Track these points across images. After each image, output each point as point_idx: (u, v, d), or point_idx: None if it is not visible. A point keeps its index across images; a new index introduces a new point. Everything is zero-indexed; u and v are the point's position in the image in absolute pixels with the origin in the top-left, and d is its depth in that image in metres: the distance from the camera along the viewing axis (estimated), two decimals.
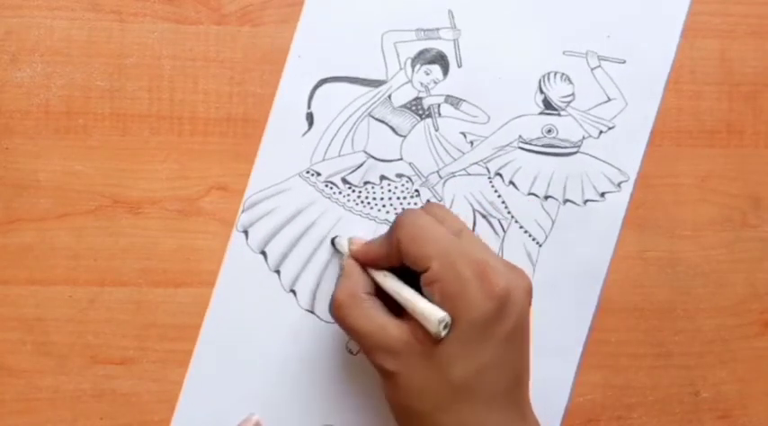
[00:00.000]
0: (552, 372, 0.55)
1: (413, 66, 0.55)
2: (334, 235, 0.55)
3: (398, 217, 0.49)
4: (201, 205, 0.55)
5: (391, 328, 0.47)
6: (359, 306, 0.48)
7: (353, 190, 0.55)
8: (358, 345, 0.49)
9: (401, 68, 0.55)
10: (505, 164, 0.55)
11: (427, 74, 0.55)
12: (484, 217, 0.55)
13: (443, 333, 0.44)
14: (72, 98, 0.54)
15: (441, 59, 0.55)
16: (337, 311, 0.49)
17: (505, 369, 0.46)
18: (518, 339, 0.46)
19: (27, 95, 0.54)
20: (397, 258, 0.48)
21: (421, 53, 0.55)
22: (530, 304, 0.47)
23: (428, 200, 0.54)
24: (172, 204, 0.55)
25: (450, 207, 0.55)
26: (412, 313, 0.46)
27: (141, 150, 0.55)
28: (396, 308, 0.48)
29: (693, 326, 0.56)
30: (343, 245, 0.53)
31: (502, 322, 0.45)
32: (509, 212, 0.55)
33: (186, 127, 0.55)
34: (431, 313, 0.45)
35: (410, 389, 0.46)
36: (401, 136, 0.55)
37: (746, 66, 0.56)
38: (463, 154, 0.55)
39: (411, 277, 0.48)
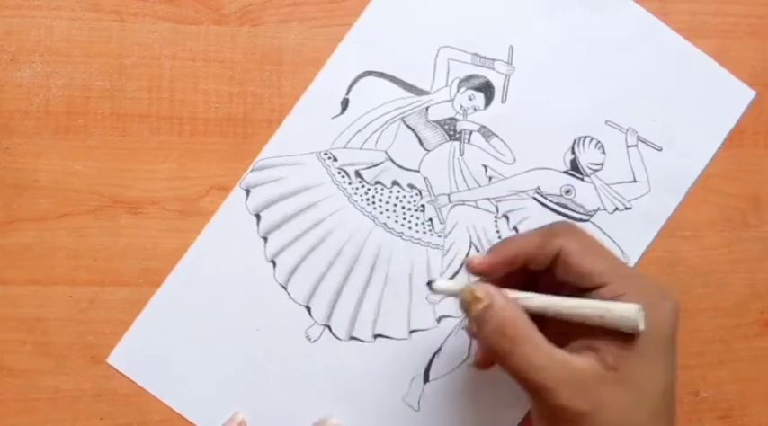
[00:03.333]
0: None
1: (458, 88, 0.55)
2: (429, 279, 0.47)
3: (560, 226, 0.46)
4: (201, 205, 0.55)
5: (574, 360, 0.41)
6: (530, 342, 0.42)
7: (363, 186, 0.55)
8: (528, 390, 0.42)
9: (447, 85, 0.55)
10: (515, 209, 0.55)
11: (470, 99, 0.55)
12: (477, 251, 0.55)
13: (642, 326, 0.41)
14: (72, 98, 0.54)
15: (487, 89, 0.55)
16: (509, 357, 0.42)
17: (676, 384, 0.43)
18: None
19: (27, 95, 0.54)
20: (542, 262, 0.45)
21: (470, 77, 0.55)
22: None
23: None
24: (172, 204, 0.55)
25: (449, 233, 0.55)
26: (596, 319, 0.42)
27: (141, 150, 0.55)
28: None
29: (693, 326, 0.56)
30: (448, 286, 0.46)
31: (677, 335, 0.43)
32: None
33: (186, 127, 0.55)
34: (624, 308, 0.41)
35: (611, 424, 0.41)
36: (426, 149, 0.55)
37: (747, 65, 0.56)
38: (479, 186, 0.55)
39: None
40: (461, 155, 0.55)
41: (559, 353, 0.42)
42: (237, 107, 0.55)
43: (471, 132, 0.55)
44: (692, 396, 0.56)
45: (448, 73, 0.55)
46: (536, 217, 0.55)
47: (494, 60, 0.55)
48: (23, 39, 0.54)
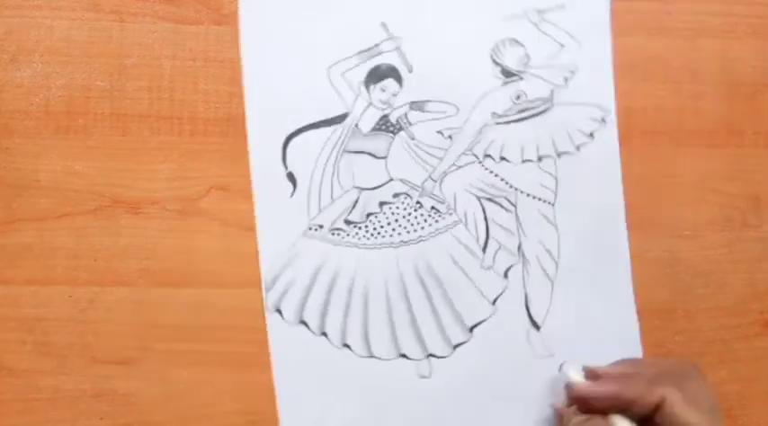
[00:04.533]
0: (610, 316, 0.56)
1: (367, 88, 0.55)
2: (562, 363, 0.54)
3: (660, 370, 0.49)
4: (201, 205, 0.55)
5: None
6: None
7: (360, 228, 0.55)
8: None
9: (357, 95, 0.55)
10: (490, 144, 0.56)
11: (383, 90, 0.55)
12: (491, 200, 0.55)
13: None
14: (72, 98, 0.54)
15: (391, 72, 0.55)
16: None
17: None
18: None
19: (27, 95, 0.54)
20: (644, 408, 0.47)
21: (370, 73, 0.55)
22: None
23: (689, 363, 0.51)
24: (172, 204, 0.55)
25: (455, 203, 0.55)
26: None
27: (141, 150, 0.55)
28: None
29: (693, 326, 0.56)
30: (575, 379, 0.51)
31: None
32: (512, 186, 0.55)
33: (186, 127, 0.55)
34: None
35: None
36: (382, 158, 0.55)
37: (747, 66, 0.56)
38: (446, 150, 0.55)
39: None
40: (413, 139, 0.55)
41: None
42: (237, 107, 0.55)
43: (406, 114, 0.55)
44: None
45: (350, 84, 0.55)
46: (511, 137, 0.56)
47: (376, 45, 0.55)
48: (23, 39, 0.54)
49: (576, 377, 0.51)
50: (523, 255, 0.55)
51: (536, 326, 0.55)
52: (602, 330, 0.55)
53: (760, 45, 0.57)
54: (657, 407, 0.47)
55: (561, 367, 0.53)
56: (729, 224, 0.56)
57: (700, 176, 0.56)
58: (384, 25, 0.55)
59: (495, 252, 0.55)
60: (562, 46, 0.56)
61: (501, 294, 0.55)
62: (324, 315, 0.55)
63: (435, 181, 0.55)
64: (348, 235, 0.55)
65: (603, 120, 0.56)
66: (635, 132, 0.56)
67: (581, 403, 0.49)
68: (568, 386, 0.51)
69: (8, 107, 0.54)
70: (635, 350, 0.56)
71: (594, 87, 0.56)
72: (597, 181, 0.56)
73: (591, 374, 0.51)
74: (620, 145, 0.56)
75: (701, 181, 0.56)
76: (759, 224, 0.57)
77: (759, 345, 0.57)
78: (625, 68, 0.56)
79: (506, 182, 0.56)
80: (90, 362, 0.54)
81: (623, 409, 0.48)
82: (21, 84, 0.54)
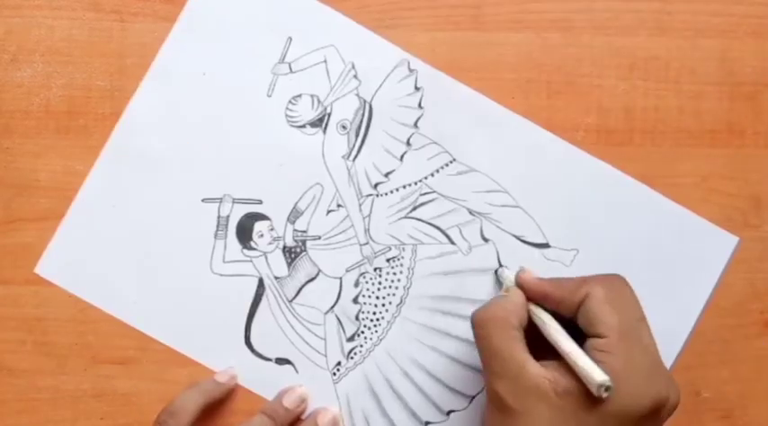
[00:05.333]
0: None
1: (248, 246, 0.55)
2: (499, 266, 0.55)
3: (592, 276, 0.48)
4: None
5: (531, 368, 0.45)
6: (507, 331, 0.47)
7: (364, 329, 0.55)
8: (484, 367, 0.48)
9: (250, 260, 0.55)
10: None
11: (261, 235, 0.55)
12: (414, 208, 0.55)
13: (605, 395, 0.43)
14: (72, 98, 0.54)
15: (254, 217, 0.54)
16: (483, 324, 0.48)
17: None
18: None
19: (27, 95, 0.54)
20: (570, 308, 0.47)
21: (239, 233, 0.55)
22: (666, 420, 0.46)
23: (619, 276, 0.50)
24: None
25: (396, 237, 0.55)
26: (573, 363, 0.44)
27: None
28: (535, 351, 0.47)
29: (693, 329, 0.56)
30: (508, 277, 0.53)
31: (645, 423, 0.45)
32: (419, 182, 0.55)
33: None
34: (598, 372, 0.43)
35: None
36: (317, 275, 0.55)
37: (747, 66, 0.56)
38: (348, 216, 0.55)
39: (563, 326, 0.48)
40: (319, 238, 0.55)
41: (521, 354, 0.46)
42: None
43: (293, 230, 0.55)
44: (693, 396, 0.56)
45: (241, 265, 0.55)
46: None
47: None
48: (24, 39, 0.54)
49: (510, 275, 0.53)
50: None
51: None
52: None
53: (760, 45, 0.57)
54: (580, 305, 0.47)
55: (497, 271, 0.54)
56: (729, 224, 0.56)
57: (700, 176, 0.56)
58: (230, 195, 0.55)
59: (461, 234, 0.55)
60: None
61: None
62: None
63: (367, 243, 0.55)
64: (364, 340, 0.55)
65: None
66: (635, 132, 0.56)
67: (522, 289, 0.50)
68: (519, 276, 0.51)
69: (8, 107, 0.54)
70: None
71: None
72: None
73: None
74: (618, 146, 0.56)
75: (701, 181, 0.56)
76: (759, 224, 0.57)
77: (759, 345, 0.57)
78: (625, 68, 0.56)
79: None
80: (90, 362, 0.54)
81: (549, 307, 0.49)
82: (21, 83, 0.54)
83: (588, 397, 0.44)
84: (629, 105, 0.56)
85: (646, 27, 0.56)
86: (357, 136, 0.55)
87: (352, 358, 0.55)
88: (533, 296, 0.50)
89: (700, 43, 0.56)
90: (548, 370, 0.45)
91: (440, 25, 0.55)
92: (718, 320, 0.56)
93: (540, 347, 0.47)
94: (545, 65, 0.56)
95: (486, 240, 0.55)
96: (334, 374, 0.55)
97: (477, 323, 0.48)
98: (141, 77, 0.54)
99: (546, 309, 0.49)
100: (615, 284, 0.48)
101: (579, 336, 0.47)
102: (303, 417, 0.55)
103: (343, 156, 0.55)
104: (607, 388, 0.43)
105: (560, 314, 0.48)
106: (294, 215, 0.54)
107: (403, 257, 0.55)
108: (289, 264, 0.55)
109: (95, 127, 0.54)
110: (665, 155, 0.56)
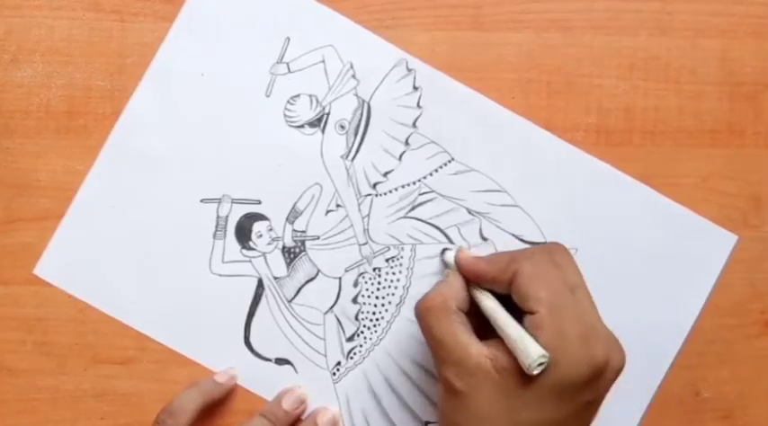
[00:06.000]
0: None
1: (247, 246, 0.55)
2: (444, 248, 0.55)
3: (523, 250, 0.49)
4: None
5: (473, 349, 0.46)
6: (447, 318, 0.47)
7: (363, 330, 0.55)
8: (432, 355, 0.48)
9: (249, 260, 0.55)
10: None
11: (260, 235, 0.55)
12: (413, 208, 0.55)
13: (536, 372, 0.43)
14: (73, 98, 0.54)
15: (253, 217, 0.54)
16: (425, 313, 0.48)
17: None
18: (592, 410, 0.46)
19: (28, 95, 0.54)
20: (505, 286, 0.47)
21: (237, 234, 0.55)
22: (614, 382, 0.46)
23: (554, 244, 0.50)
24: None
25: (395, 237, 0.55)
26: (508, 341, 0.45)
27: None
28: (481, 333, 0.47)
29: (693, 327, 0.56)
30: (450, 260, 0.53)
31: (588, 390, 0.45)
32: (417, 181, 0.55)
33: None
34: (532, 348, 0.44)
35: (471, 412, 0.45)
36: (317, 275, 0.55)
37: (747, 65, 0.56)
38: (347, 216, 0.55)
39: (506, 305, 0.48)
40: (318, 238, 0.55)
41: (465, 337, 0.46)
42: None
43: (292, 231, 0.55)
44: (693, 396, 0.56)
45: (240, 266, 0.55)
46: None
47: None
48: (24, 39, 0.54)
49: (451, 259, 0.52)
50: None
51: None
52: None
53: (760, 45, 0.57)
54: (511, 283, 0.47)
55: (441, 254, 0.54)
56: (729, 224, 0.56)
57: (700, 176, 0.56)
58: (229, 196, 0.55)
59: (460, 234, 0.55)
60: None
61: None
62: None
63: (366, 243, 0.55)
64: (364, 340, 0.55)
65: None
66: (635, 132, 0.56)
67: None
68: (459, 256, 0.51)
69: (8, 107, 0.54)
70: None
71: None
72: None
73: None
74: (618, 146, 0.56)
75: (701, 181, 0.56)
76: (759, 224, 0.57)
77: (759, 345, 0.57)
78: (625, 68, 0.56)
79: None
80: (90, 362, 0.54)
81: (487, 287, 0.49)
82: (21, 83, 0.54)
83: (525, 372, 0.44)
84: (629, 105, 0.56)
85: (646, 27, 0.56)
86: (356, 135, 0.55)
87: (351, 358, 0.55)
88: (469, 276, 0.50)
89: (700, 43, 0.56)
90: (489, 349, 0.45)
91: (440, 25, 0.55)
92: (718, 320, 0.56)
93: (490, 328, 0.47)
94: (545, 65, 0.56)
95: (485, 239, 0.55)
96: (334, 374, 0.55)
97: (418, 314, 0.49)
98: (141, 77, 0.54)
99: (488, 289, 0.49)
100: (544, 256, 0.48)
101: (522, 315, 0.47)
102: (303, 417, 0.55)
103: (341, 156, 0.55)
104: (540, 364, 0.43)
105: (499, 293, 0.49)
106: (293, 215, 0.54)
107: (402, 257, 0.55)
108: (288, 264, 0.55)
109: (95, 127, 0.54)
110: (665, 155, 0.56)
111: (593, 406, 0.46)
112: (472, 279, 0.49)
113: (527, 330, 0.45)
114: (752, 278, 0.56)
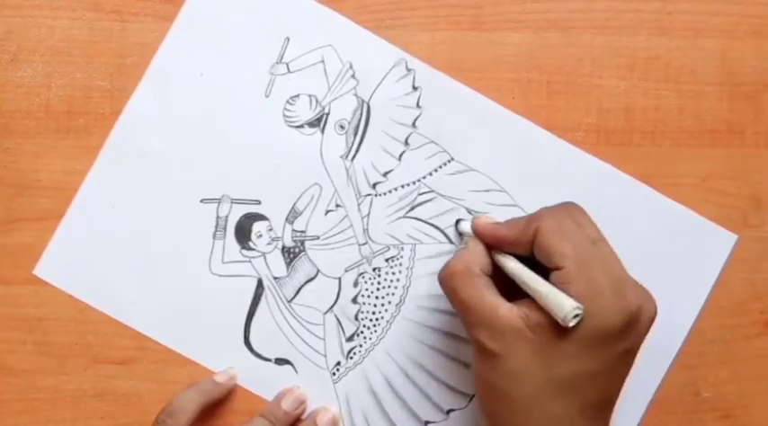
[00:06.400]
0: None
1: (247, 246, 0.55)
2: (458, 218, 0.55)
3: (539, 211, 0.48)
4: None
5: (502, 309, 0.46)
6: (472, 281, 0.47)
7: (363, 329, 0.55)
8: (462, 322, 0.48)
9: (249, 260, 0.55)
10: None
11: (260, 235, 0.54)
12: (412, 208, 0.55)
13: (572, 323, 0.43)
14: (73, 98, 0.54)
15: (252, 217, 0.54)
16: (448, 278, 0.48)
17: (608, 384, 0.46)
18: (629, 360, 0.46)
19: (27, 95, 0.54)
20: (526, 247, 0.47)
21: (237, 234, 0.55)
22: (648, 331, 0.46)
23: (571, 203, 0.50)
24: None
25: (395, 237, 0.55)
26: (539, 297, 0.45)
27: None
28: (507, 296, 0.47)
29: (694, 326, 0.56)
30: (466, 229, 0.52)
31: (623, 339, 0.45)
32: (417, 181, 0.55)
33: None
34: (566, 302, 0.44)
35: (509, 372, 0.45)
36: (317, 275, 0.55)
37: (747, 65, 0.56)
38: (346, 216, 0.55)
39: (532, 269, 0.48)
40: (318, 238, 0.55)
41: (492, 299, 0.46)
42: None
43: (291, 231, 0.55)
44: (693, 396, 0.56)
45: (240, 266, 0.55)
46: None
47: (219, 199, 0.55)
48: (24, 39, 0.54)
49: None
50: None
51: None
52: None
53: (760, 45, 0.56)
54: (534, 242, 0.47)
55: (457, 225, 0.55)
56: (729, 224, 0.56)
57: (700, 176, 0.56)
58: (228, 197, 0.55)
59: (456, 230, 0.55)
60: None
61: None
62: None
63: (366, 243, 0.55)
64: (363, 340, 0.55)
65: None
66: (635, 132, 0.56)
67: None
68: (476, 221, 0.51)
69: (8, 107, 0.54)
70: None
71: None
72: None
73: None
74: (618, 146, 0.56)
75: (701, 181, 0.56)
76: (759, 224, 0.57)
77: (759, 345, 0.57)
78: (625, 68, 0.56)
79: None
80: (90, 362, 0.54)
81: (509, 250, 0.49)
82: (21, 83, 0.54)
83: (561, 326, 0.44)
84: (629, 105, 0.56)
85: (646, 27, 0.56)
86: (355, 135, 0.55)
87: (351, 357, 0.55)
88: (489, 241, 0.50)
89: (700, 43, 0.56)
90: (519, 308, 0.46)
91: (440, 25, 0.55)
92: (718, 320, 0.56)
93: (515, 291, 0.47)
94: (545, 65, 0.56)
95: None
96: (334, 374, 0.55)
97: (442, 281, 0.49)
98: (141, 77, 0.54)
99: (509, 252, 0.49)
100: (562, 213, 0.48)
101: (547, 273, 0.47)
102: (303, 417, 0.55)
103: (341, 156, 0.55)
104: (576, 316, 0.43)
105: (523, 255, 0.48)
106: (293, 215, 0.54)
107: (402, 257, 0.55)
108: (288, 264, 0.55)
109: (95, 127, 0.54)
110: (665, 155, 0.56)
111: (629, 356, 0.46)
112: (493, 244, 0.49)
113: (555, 285, 0.45)
114: (752, 278, 0.56)
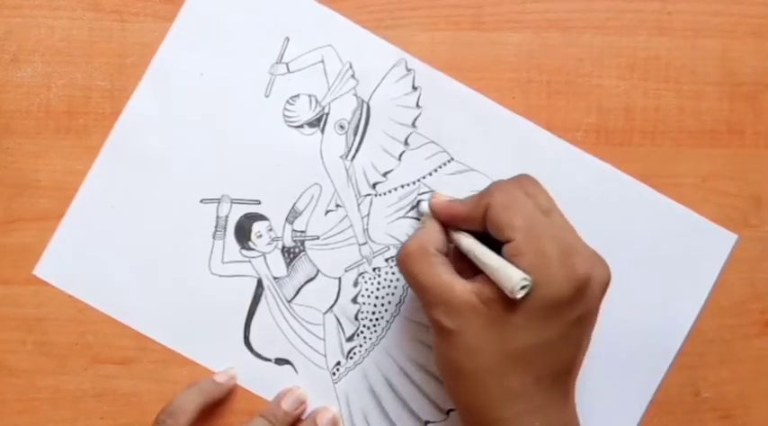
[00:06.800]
0: None
1: (246, 247, 0.55)
2: (419, 198, 0.55)
3: (491, 184, 0.49)
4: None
5: (457, 286, 0.46)
6: (427, 260, 0.48)
7: (363, 329, 0.55)
8: (420, 302, 0.48)
9: (249, 260, 0.55)
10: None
11: (260, 235, 0.54)
12: (412, 208, 0.55)
13: (520, 295, 0.44)
14: (72, 98, 0.54)
15: (252, 217, 0.54)
16: (404, 260, 0.48)
17: (563, 353, 0.46)
18: (583, 327, 0.47)
19: (27, 95, 0.54)
20: (479, 222, 0.48)
21: (237, 234, 0.55)
22: (603, 296, 0.47)
23: (523, 175, 0.50)
24: None
25: (395, 236, 0.55)
26: (489, 271, 0.46)
27: None
28: (464, 274, 0.47)
29: (694, 326, 0.56)
30: (424, 208, 0.52)
31: (574, 306, 0.45)
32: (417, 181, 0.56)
33: None
34: (513, 273, 0.44)
35: (464, 348, 0.46)
36: (316, 275, 0.55)
37: (747, 65, 0.56)
38: (347, 217, 0.55)
39: (485, 244, 0.48)
40: (318, 238, 0.55)
41: (448, 277, 0.47)
42: None
43: (292, 231, 0.55)
44: (693, 396, 0.56)
45: (240, 266, 0.55)
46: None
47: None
48: (24, 39, 0.54)
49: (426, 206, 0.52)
50: None
51: None
52: None
53: (760, 45, 0.56)
54: (485, 217, 0.47)
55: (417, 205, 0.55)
56: (729, 224, 0.56)
57: (700, 176, 0.56)
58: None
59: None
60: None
61: None
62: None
63: (366, 242, 0.55)
64: (363, 340, 0.55)
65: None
66: (635, 132, 0.56)
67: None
68: (432, 200, 0.52)
69: (8, 107, 0.54)
70: None
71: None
72: None
73: None
74: (618, 146, 0.56)
75: (701, 181, 0.56)
76: (759, 224, 0.57)
77: (759, 345, 0.57)
78: (625, 68, 0.56)
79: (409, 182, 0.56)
80: (90, 362, 0.54)
81: (463, 227, 0.49)
82: (21, 83, 0.54)
83: (511, 299, 0.44)
84: (629, 105, 0.56)
85: (646, 27, 0.56)
86: (355, 135, 0.55)
87: (351, 357, 0.55)
88: (444, 219, 0.50)
89: (700, 43, 0.56)
90: (473, 284, 0.46)
91: (440, 25, 0.55)
92: (718, 320, 0.56)
93: (473, 269, 0.48)
94: (545, 65, 0.56)
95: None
96: (334, 374, 0.55)
97: (399, 262, 0.49)
98: (141, 77, 0.54)
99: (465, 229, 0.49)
100: (513, 186, 0.48)
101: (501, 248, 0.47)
102: (303, 417, 0.55)
103: (341, 156, 0.55)
104: (523, 287, 0.44)
105: (477, 231, 0.49)
106: (293, 215, 0.54)
107: None
108: (287, 264, 0.55)
109: (95, 127, 0.54)
110: (665, 155, 0.56)
111: (583, 322, 0.46)
112: (448, 222, 0.50)
113: (506, 259, 0.45)
114: (752, 278, 0.56)
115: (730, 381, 0.57)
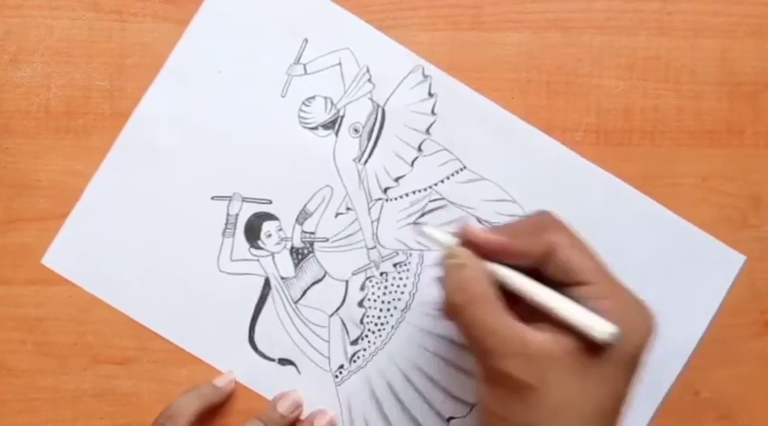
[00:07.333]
0: None
1: (256, 245, 0.55)
2: (415, 221, 0.55)
3: (549, 218, 0.45)
4: None
5: (532, 335, 0.41)
6: (490, 304, 0.42)
7: (366, 334, 0.55)
8: (480, 354, 0.43)
9: (257, 259, 0.55)
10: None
11: (269, 235, 0.54)
12: (423, 215, 0.55)
13: (612, 343, 0.40)
14: (72, 98, 0.54)
15: (262, 216, 0.55)
16: (463, 310, 0.43)
17: (627, 401, 0.43)
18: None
19: (27, 95, 0.54)
20: (533, 259, 0.44)
21: (247, 232, 0.55)
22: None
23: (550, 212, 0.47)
24: None
25: (403, 242, 0.55)
26: (569, 319, 0.41)
27: None
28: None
29: (698, 345, 0.56)
30: (436, 235, 0.47)
31: (647, 353, 0.43)
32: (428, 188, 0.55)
33: None
34: (599, 319, 0.41)
35: (548, 406, 0.41)
36: (324, 277, 0.55)
37: (747, 65, 0.56)
38: (356, 220, 0.55)
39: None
40: (327, 240, 0.55)
41: (517, 324, 0.42)
42: None
43: (301, 231, 0.55)
44: (693, 396, 0.56)
45: (248, 265, 0.55)
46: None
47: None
48: (23, 39, 0.54)
49: (439, 232, 0.47)
50: None
51: None
52: None
53: (760, 45, 0.57)
54: (546, 256, 0.43)
55: (420, 229, 0.49)
56: (730, 224, 0.56)
57: (700, 176, 0.56)
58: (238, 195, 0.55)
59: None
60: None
61: None
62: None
63: (374, 247, 0.55)
64: (368, 344, 0.55)
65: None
66: (634, 132, 0.56)
67: (469, 247, 0.45)
68: (463, 232, 0.46)
69: (8, 107, 0.54)
70: None
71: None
72: None
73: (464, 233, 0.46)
74: (617, 146, 0.56)
75: (700, 181, 0.56)
76: (759, 224, 0.57)
77: (759, 345, 0.57)
78: (625, 68, 0.56)
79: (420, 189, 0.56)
80: (90, 362, 0.54)
81: (508, 262, 0.44)
82: (21, 84, 0.54)
83: (594, 348, 0.41)
84: (628, 105, 0.56)
85: (646, 27, 0.56)
86: (369, 139, 0.55)
87: (354, 361, 0.55)
88: (488, 252, 0.44)
89: (700, 43, 0.56)
90: (545, 333, 0.41)
91: (439, 25, 0.55)
92: (718, 320, 0.56)
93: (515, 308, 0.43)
94: (545, 65, 0.56)
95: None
96: (336, 377, 0.55)
97: (456, 310, 0.43)
98: (141, 77, 0.54)
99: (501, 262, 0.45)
100: (564, 225, 0.45)
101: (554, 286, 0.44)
102: (302, 418, 0.55)
103: (354, 159, 0.55)
104: (612, 334, 0.40)
105: (516, 265, 0.44)
106: (303, 216, 0.54)
107: (410, 263, 0.55)
108: (295, 265, 0.55)
109: (95, 127, 0.54)
110: (664, 155, 0.56)
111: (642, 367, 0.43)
112: (493, 255, 0.44)
113: (581, 303, 0.42)
114: (752, 278, 0.57)
115: (730, 381, 0.57)
